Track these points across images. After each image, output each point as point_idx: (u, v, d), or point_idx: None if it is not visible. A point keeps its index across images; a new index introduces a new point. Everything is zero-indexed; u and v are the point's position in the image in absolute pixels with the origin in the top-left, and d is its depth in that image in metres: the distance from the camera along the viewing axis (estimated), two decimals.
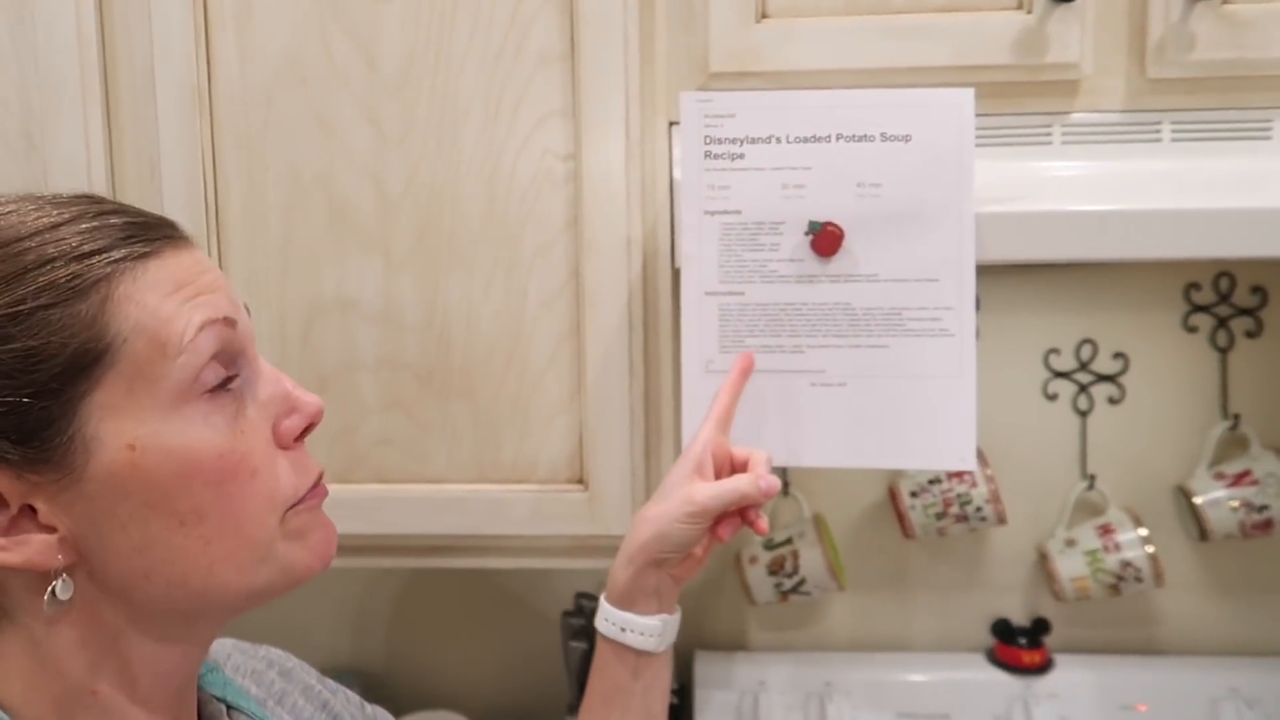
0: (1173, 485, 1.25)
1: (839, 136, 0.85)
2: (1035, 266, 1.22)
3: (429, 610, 1.37)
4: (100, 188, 0.96)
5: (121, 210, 0.54)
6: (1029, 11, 0.91)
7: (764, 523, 0.79)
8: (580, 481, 0.99)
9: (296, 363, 0.99)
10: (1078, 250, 0.89)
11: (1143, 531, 1.21)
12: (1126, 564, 1.20)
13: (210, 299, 0.53)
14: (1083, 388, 1.27)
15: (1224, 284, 1.24)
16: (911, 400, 0.86)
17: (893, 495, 1.24)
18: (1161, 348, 1.25)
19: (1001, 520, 1.21)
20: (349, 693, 0.78)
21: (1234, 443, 1.24)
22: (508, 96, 0.95)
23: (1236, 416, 1.24)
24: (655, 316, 0.97)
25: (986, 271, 0.88)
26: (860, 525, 1.30)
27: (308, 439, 0.58)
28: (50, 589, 0.50)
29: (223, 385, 0.53)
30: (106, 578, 0.52)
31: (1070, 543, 1.23)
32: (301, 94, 0.96)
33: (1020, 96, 0.93)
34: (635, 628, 0.78)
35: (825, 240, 0.85)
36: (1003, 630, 1.28)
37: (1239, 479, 1.20)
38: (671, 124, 0.96)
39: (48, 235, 0.50)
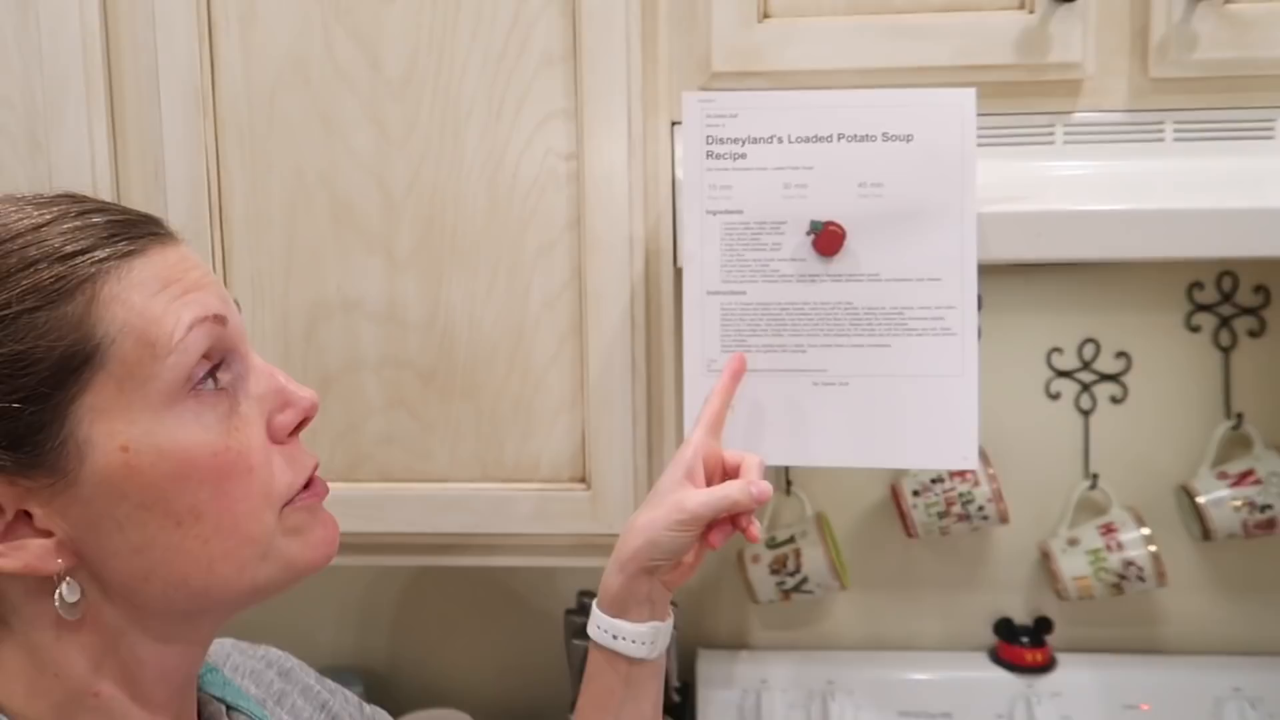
0: (1175, 484, 1.25)
1: (841, 136, 0.85)
2: (1038, 266, 1.22)
3: (432, 608, 1.37)
4: (104, 188, 0.97)
5: (104, 209, 0.53)
6: (1031, 11, 0.91)
7: (756, 529, 0.77)
8: (583, 480, 1.00)
9: (300, 362, 0.99)
10: (1080, 250, 0.89)
11: (1145, 531, 1.21)
12: (1129, 563, 1.20)
13: (199, 296, 0.53)
14: (1085, 387, 1.27)
15: (1227, 283, 1.24)
16: (914, 399, 0.86)
17: (895, 494, 1.24)
18: (1164, 347, 1.25)
19: (1004, 519, 1.21)
20: (348, 693, 0.78)
21: (1237, 442, 1.24)
22: (510, 97, 0.95)
23: (1239, 416, 1.24)
24: (657, 316, 0.98)
25: (989, 271, 0.88)
26: (862, 524, 1.31)
27: (306, 435, 0.58)
28: (58, 593, 0.50)
29: (214, 383, 0.53)
30: (106, 580, 0.52)
31: (1073, 542, 1.23)
32: (305, 95, 0.96)
33: (1022, 96, 0.93)
34: (627, 635, 0.76)
35: (827, 240, 0.86)
36: (1005, 629, 1.28)
37: (1242, 478, 1.19)
38: (674, 124, 0.96)
39: (30, 237, 0.50)
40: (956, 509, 1.21)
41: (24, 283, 0.48)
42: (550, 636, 1.33)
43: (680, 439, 0.96)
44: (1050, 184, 0.92)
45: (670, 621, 0.80)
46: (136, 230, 0.52)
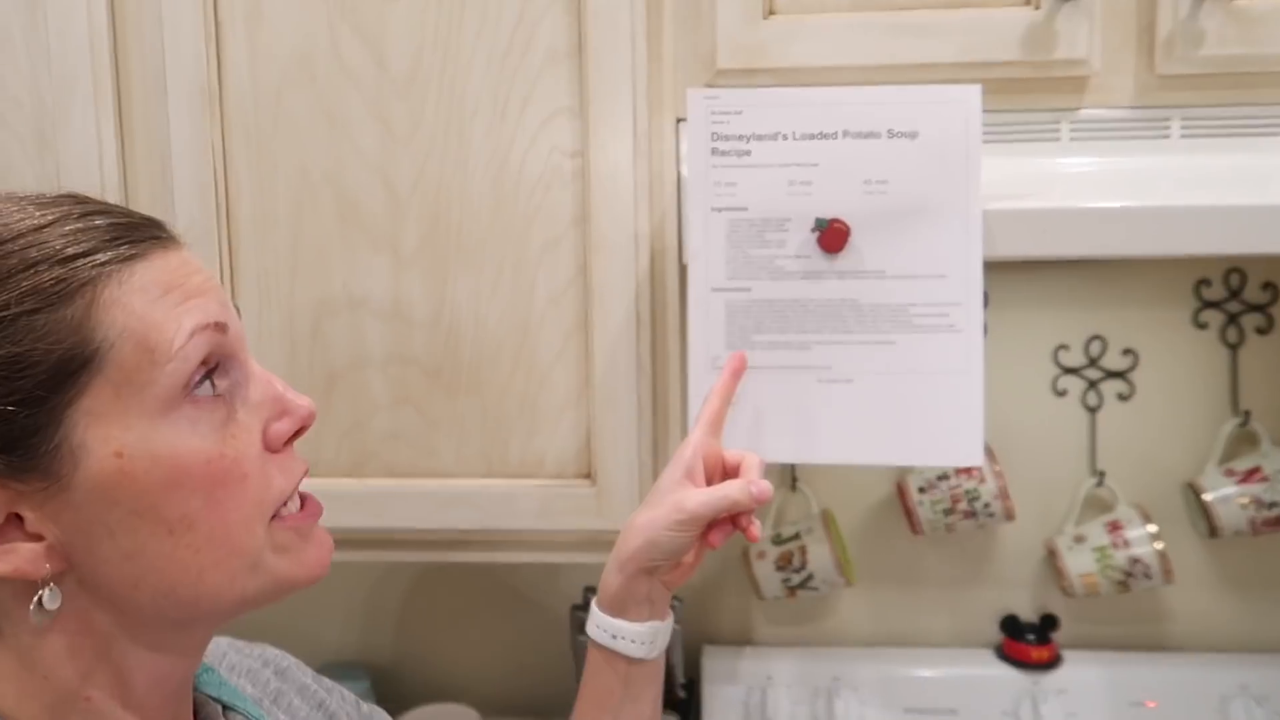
0: (1182, 482, 1.25)
1: (846, 133, 0.85)
2: (1044, 263, 1.22)
3: (438, 604, 1.37)
4: (112, 187, 0.97)
5: (107, 210, 0.52)
6: (1037, 7, 0.91)
7: (756, 529, 0.76)
8: (588, 476, 1.00)
9: (306, 359, 1.00)
10: (1087, 247, 0.89)
11: (1152, 528, 1.21)
12: (1135, 560, 1.20)
13: (200, 302, 0.52)
14: (1092, 384, 1.26)
15: (1234, 280, 1.23)
16: (919, 396, 0.86)
17: (901, 491, 1.24)
18: (1171, 344, 1.25)
19: (1010, 516, 1.21)
20: (345, 691, 0.77)
21: (1244, 439, 1.24)
22: (515, 94, 0.95)
23: (1247, 413, 1.24)
24: (662, 312, 0.98)
25: (995, 268, 0.88)
26: (868, 521, 1.31)
27: (313, 430, 0.57)
28: (37, 598, 0.50)
29: (212, 388, 0.52)
30: (96, 586, 0.51)
31: (1079, 539, 1.23)
32: (311, 93, 0.97)
33: (1028, 93, 0.93)
34: (626, 635, 0.76)
35: (832, 237, 0.86)
36: (1011, 626, 1.28)
37: (1249, 475, 1.19)
38: (679, 121, 0.96)
39: (31, 238, 0.49)
40: (962, 506, 1.21)
41: (24, 284, 0.48)
42: (556, 632, 1.33)
43: (685, 435, 0.96)
44: (1056, 181, 0.92)
45: (670, 621, 0.79)
46: (139, 233, 0.52)
